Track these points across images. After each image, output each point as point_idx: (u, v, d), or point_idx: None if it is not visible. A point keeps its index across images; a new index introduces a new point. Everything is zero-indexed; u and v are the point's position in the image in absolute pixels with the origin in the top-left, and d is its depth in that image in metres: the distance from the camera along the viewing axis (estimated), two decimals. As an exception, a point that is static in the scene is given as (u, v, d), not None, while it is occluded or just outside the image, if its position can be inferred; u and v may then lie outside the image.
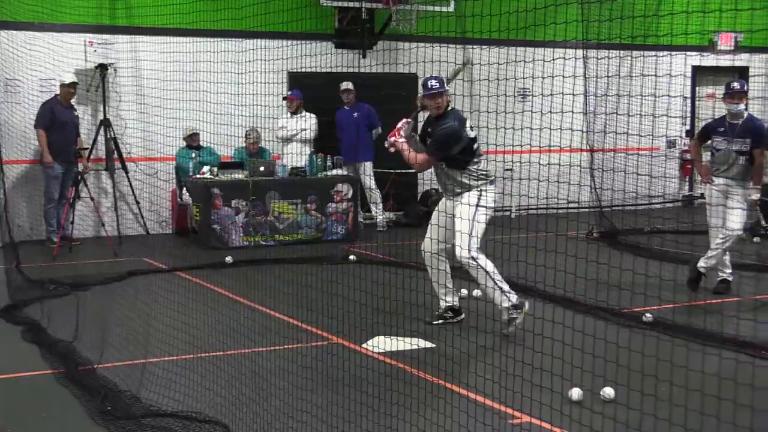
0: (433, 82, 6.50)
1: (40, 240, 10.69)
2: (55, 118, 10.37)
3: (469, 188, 6.52)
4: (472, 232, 6.38)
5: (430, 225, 6.81)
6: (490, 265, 6.37)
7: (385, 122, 11.51)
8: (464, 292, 7.43)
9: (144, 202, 11.35)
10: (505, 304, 6.39)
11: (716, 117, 8.35)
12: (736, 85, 7.83)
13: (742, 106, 7.83)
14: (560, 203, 10.39)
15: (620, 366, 4.59)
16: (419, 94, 6.79)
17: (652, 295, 6.48)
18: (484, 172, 6.58)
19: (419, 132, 6.85)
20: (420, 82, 6.81)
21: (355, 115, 11.67)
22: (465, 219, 6.41)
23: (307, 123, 11.49)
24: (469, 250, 6.35)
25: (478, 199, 6.50)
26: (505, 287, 6.42)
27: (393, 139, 6.68)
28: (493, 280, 6.37)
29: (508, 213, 12.22)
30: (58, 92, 10.55)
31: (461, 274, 6.89)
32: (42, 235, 10.72)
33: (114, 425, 4.58)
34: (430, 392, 5.04)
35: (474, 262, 6.36)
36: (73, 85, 10.52)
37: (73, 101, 10.72)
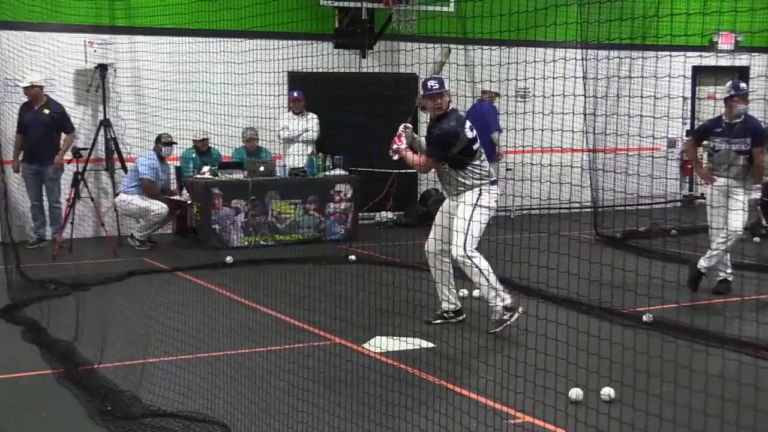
0: (433, 82, 6.48)
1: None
2: (21, 121, 10.45)
3: (471, 188, 6.52)
4: (468, 231, 6.38)
5: (433, 225, 6.80)
6: (484, 264, 6.39)
7: (387, 122, 11.50)
8: (464, 292, 7.43)
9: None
10: (498, 304, 6.42)
11: (713, 118, 8.36)
12: (744, 85, 7.84)
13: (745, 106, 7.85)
14: (560, 203, 10.40)
15: (619, 365, 4.59)
16: (419, 94, 6.78)
17: (654, 296, 6.48)
18: (486, 172, 6.57)
19: (426, 133, 6.79)
20: (420, 82, 6.80)
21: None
22: (461, 218, 6.43)
23: (310, 123, 11.47)
24: (464, 248, 6.36)
25: (478, 197, 6.49)
26: (500, 287, 6.44)
27: (396, 146, 6.63)
28: (487, 279, 6.40)
29: (508, 214, 12.20)
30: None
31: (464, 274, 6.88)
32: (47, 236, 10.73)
33: (114, 425, 4.58)
34: (431, 392, 5.04)
35: (468, 261, 6.37)
36: (29, 88, 10.39)
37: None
